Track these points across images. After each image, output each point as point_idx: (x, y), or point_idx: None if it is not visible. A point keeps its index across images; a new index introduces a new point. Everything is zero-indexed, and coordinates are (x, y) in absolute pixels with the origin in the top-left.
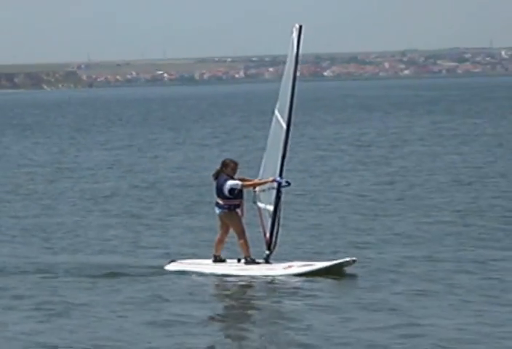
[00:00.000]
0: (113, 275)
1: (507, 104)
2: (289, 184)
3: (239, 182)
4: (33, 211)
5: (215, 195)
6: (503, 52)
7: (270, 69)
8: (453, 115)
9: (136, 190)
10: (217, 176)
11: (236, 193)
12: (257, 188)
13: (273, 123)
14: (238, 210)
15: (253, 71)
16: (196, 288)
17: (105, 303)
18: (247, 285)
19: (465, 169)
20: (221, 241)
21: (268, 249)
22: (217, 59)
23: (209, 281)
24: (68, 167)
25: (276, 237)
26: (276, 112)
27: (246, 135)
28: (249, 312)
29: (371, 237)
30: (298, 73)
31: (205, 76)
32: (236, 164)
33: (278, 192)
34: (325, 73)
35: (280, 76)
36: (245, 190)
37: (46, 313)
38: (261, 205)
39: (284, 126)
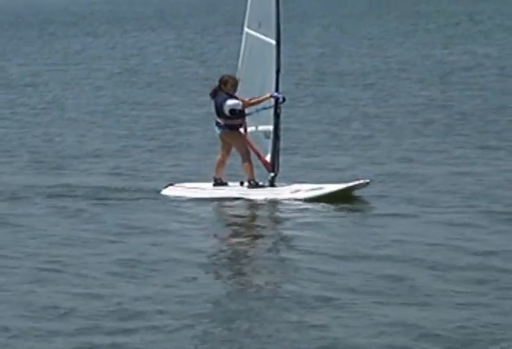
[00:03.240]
0: (101, 199)
1: None
2: (284, 100)
3: (240, 102)
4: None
5: (215, 115)
6: None
7: None
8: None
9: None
10: (214, 94)
11: (238, 113)
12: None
13: (247, 42)
14: (241, 129)
15: None
16: (195, 214)
17: (93, 229)
18: (251, 210)
19: None
20: (222, 163)
21: (272, 170)
22: None
23: (209, 207)
24: None
25: (279, 158)
26: (249, 30)
27: None
28: (252, 239)
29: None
30: None
31: None
32: (236, 81)
33: (277, 108)
34: None
35: None
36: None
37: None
38: (250, 128)
39: (273, 42)
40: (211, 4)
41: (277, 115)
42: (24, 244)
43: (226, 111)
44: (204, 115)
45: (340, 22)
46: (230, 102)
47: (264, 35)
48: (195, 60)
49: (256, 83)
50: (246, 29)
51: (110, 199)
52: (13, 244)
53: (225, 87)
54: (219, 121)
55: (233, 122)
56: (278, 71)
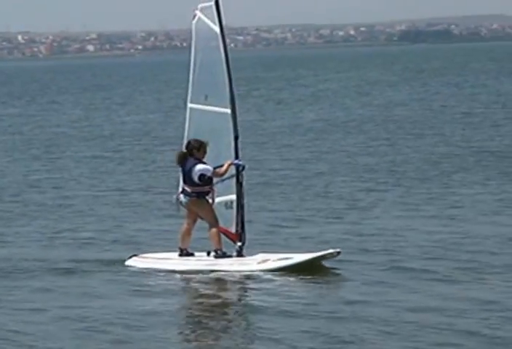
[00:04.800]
0: (63, 271)
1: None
2: (244, 167)
3: (210, 168)
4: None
5: (181, 182)
6: (20, 37)
7: None
8: None
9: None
10: (183, 160)
11: (206, 179)
12: None
13: (192, 117)
14: (209, 198)
15: None
16: (159, 287)
17: (54, 306)
18: (217, 282)
19: None
20: (188, 233)
21: (239, 240)
22: None
23: (174, 279)
24: None
25: (244, 227)
26: (193, 105)
27: None
28: (219, 314)
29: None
30: None
31: None
32: (206, 146)
33: (239, 176)
34: None
35: None
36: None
37: None
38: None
39: (228, 110)
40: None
41: (240, 184)
42: None
43: (195, 177)
44: None
45: None
46: (200, 166)
47: (213, 106)
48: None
49: (209, 155)
50: (189, 105)
51: (71, 272)
52: None
53: (198, 152)
54: (186, 188)
55: (201, 189)
56: (236, 138)
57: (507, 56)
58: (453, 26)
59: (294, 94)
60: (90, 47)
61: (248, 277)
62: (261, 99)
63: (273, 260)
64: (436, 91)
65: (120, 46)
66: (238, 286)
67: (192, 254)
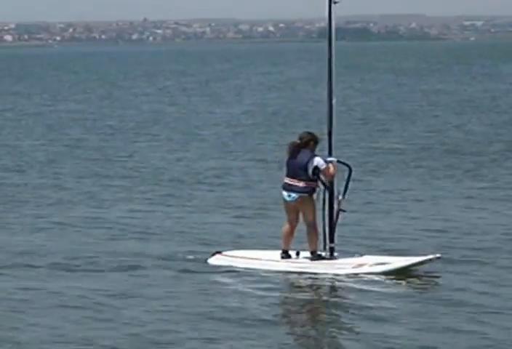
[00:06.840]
0: (134, 268)
1: None
2: (350, 169)
3: (325, 163)
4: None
5: (288, 177)
6: None
7: None
8: None
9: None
10: (297, 152)
11: (317, 174)
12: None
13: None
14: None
15: None
16: (242, 287)
17: (134, 307)
18: (308, 286)
19: None
20: (291, 232)
21: (331, 241)
22: None
23: (260, 281)
24: None
25: (335, 227)
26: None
27: None
28: (308, 320)
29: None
30: None
31: None
32: (319, 140)
33: None
34: None
35: None
36: None
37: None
38: None
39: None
40: None
41: (330, 182)
42: None
43: (310, 170)
44: None
45: None
46: (318, 159)
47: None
48: None
49: None
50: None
51: (145, 269)
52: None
53: (314, 145)
54: (296, 183)
55: (314, 185)
56: (330, 133)
57: (426, 54)
58: (371, 24)
59: (221, 89)
60: (8, 37)
61: (341, 281)
62: (193, 93)
63: (370, 265)
64: (365, 89)
65: (38, 36)
66: (329, 287)
67: (290, 257)
